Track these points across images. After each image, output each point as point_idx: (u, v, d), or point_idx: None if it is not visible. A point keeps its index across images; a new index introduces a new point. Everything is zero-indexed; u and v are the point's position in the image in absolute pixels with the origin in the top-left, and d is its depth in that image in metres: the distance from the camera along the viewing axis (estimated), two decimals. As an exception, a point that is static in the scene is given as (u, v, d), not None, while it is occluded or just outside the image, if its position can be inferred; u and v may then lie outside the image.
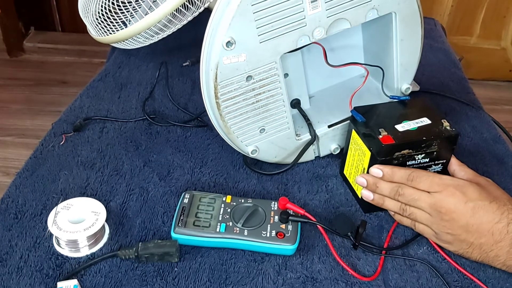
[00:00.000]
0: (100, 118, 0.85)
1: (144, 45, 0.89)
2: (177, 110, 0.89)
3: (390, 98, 0.76)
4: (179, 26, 0.85)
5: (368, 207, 0.68)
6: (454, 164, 0.66)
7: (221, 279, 0.59)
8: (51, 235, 0.62)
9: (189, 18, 0.84)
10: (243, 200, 0.66)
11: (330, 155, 0.79)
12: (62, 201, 0.64)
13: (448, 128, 0.65)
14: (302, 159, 0.76)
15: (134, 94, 0.93)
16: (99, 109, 0.88)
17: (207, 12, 0.74)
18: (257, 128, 0.71)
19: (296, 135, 0.75)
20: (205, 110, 0.71)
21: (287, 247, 0.61)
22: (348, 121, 0.71)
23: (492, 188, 0.61)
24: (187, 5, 0.82)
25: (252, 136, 0.71)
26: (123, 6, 0.85)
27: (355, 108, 0.69)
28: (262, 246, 0.61)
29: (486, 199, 0.58)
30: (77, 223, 0.61)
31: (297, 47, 0.66)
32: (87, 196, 0.67)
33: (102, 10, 0.86)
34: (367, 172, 0.66)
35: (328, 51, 0.75)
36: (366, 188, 0.66)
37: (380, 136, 0.63)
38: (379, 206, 0.66)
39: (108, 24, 0.86)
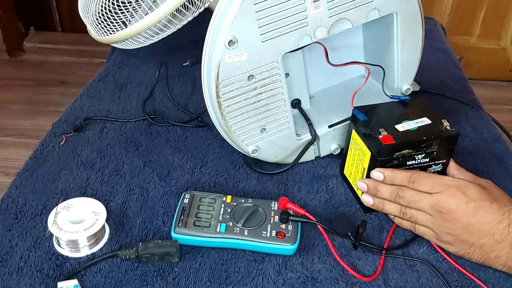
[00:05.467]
0: (100, 118, 0.85)
1: (144, 45, 0.89)
2: (177, 110, 0.89)
3: (390, 97, 0.76)
4: (179, 26, 0.85)
5: (368, 207, 0.68)
6: (453, 168, 0.66)
7: (221, 279, 0.59)
8: (51, 235, 0.62)
9: (189, 18, 0.83)
10: (243, 200, 0.66)
11: (330, 155, 0.79)
12: (62, 201, 0.64)
13: (448, 128, 0.65)
14: (302, 159, 0.76)
15: (134, 94, 0.93)
16: (99, 109, 0.88)
17: (207, 12, 0.74)
18: (258, 128, 0.71)
19: (297, 135, 0.74)
20: (205, 110, 0.71)
21: (287, 247, 0.61)
22: (348, 121, 0.71)
23: (492, 189, 0.61)
24: (187, 5, 0.82)
25: (253, 136, 0.71)
26: (123, 6, 0.85)
27: (355, 107, 0.69)
28: (262, 246, 0.61)
29: (487, 200, 0.58)
30: (77, 223, 0.61)
31: (299, 46, 0.66)
32: (87, 196, 0.67)
33: (102, 10, 0.85)
34: (368, 175, 0.66)
35: (329, 50, 0.75)
36: (366, 192, 0.66)
37: (380, 136, 0.63)
38: (379, 211, 0.66)
39: (108, 24, 0.86)
